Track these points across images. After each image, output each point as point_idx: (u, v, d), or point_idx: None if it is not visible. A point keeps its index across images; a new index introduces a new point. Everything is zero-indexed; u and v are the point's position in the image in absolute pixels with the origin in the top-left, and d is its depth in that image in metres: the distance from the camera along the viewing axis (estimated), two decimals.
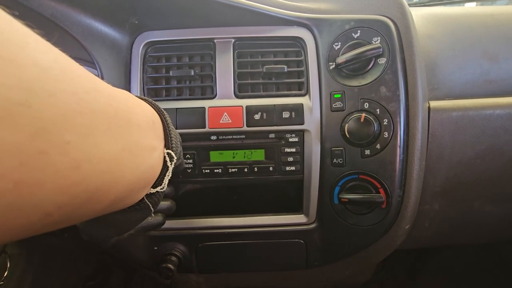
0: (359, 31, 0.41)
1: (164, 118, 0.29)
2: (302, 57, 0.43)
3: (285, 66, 0.42)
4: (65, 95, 0.16)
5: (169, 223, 0.45)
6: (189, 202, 0.46)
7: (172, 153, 0.28)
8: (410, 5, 0.76)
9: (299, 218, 0.45)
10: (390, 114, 0.39)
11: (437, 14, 0.52)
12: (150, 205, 0.27)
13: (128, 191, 0.23)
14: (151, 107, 0.28)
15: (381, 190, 0.41)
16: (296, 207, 0.46)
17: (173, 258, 0.42)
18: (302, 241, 0.45)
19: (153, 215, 0.34)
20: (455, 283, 0.83)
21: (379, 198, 0.40)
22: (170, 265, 0.41)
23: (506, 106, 0.43)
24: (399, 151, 0.40)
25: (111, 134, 0.19)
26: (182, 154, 0.35)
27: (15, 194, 0.14)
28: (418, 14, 0.52)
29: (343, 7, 0.43)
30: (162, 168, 0.27)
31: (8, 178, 0.13)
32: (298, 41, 0.44)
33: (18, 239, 0.16)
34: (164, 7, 0.40)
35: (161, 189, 0.27)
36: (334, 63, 0.41)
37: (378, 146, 0.40)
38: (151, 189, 0.26)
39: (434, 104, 0.44)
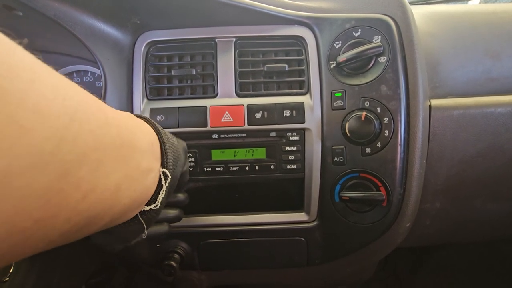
0: (359, 30, 0.41)
1: (161, 137, 0.29)
2: (303, 56, 0.43)
3: (286, 65, 0.42)
4: (85, 136, 0.17)
5: None
6: (191, 200, 0.46)
7: (168, 172, 0.28)
8: (412, 3, 0.76)
9: (300, 216, 0.45)
10: (390, 113, 0.39)
11: (439, 12, 0.52)
12: (144, 223, 0.27)
13: (123, 213, 0.23)
14: (150, 127, 0.29)
15: (382, 188, 0.41)
16: (297, 205, 0.46)
17: (175, 256, 0.43)
18: (303, 239, 0.45)
19: (166, 225, 0.36)
20: (457, 281, 0.83)
21: (379, 196, 0.40)
22: (172, 263, 0.41)
23: (508, 104, 0.43)
24: (399, 149, 0.40)
25: (117, 164, 0.20)
26: (187, 163, 0.35)
27: (34, 229, 0.15)
28: (420, 12, 0.51)
29: (344, 6, 0.43)
30: (156, 187, 0.28)
31: (33, 217, 0.14)
32: (299, 40, 0.44)
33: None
34: (166, 7, 0.40)
35: (154, 207, 0.27)
36: (335, 62, 0.41)
37: (378, 145, 0.40)
38: (145, 206, 0.27)
39: (435, 102, 0.44)
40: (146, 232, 0.30)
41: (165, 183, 0.28)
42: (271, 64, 0.43)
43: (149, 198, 0.27)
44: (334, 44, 0.42)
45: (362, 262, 0.48)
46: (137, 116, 0.29)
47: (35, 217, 0.14)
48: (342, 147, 0.41)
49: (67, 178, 0.15)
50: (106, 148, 0.19)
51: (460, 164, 0.45)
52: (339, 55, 0.41)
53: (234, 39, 0.44)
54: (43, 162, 0.14)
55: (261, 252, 0.46)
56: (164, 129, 0.32)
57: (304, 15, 0.43)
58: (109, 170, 0.19)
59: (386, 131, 0.40)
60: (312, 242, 0.45)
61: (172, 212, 0.37)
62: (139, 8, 0.41)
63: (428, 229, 0.52)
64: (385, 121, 0.40)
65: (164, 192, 0.28)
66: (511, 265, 0.75)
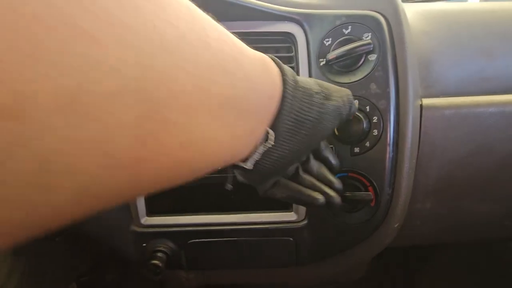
0: (350, 26, 0.40)
1: (285, 90, 0.23)
2: (293, 53, 0.43)
3: None
4: (181, 76, 0.14)
5: (157, 220, 0.45)
6: (178, 198, 0.45)
7: (271, 135, 0.23)
8: (408, 0, 0.75)
9: (289, 216, 0.45)
10: (380, 112, 0.39)
11: (434, 10, 0.51)
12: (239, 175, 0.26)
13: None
14: (277, 75, 0.23)
15: (370, 188, 0.40)
16: (286, 205, 0.45)
17: (161, 255, 0.42)
18: (291, 239, 0.45)
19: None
20: (451, 281, 0.83)
21: (367, 196, 0.39)
22: (157, 262, 0.41)
23: (499, 104, 0.43)
24: (388, 149, 0.39)
25: (222, 122, 0.18)
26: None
27: (137, 168, 0.14)
28: (414, 10, 0.51)
29: (335, 2, 0.42)
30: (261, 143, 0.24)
31: (131, 155, 0.13)
32: (289, 37, 0.43)
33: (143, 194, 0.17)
34: None
35: (244, 165, 0.25)
36: (324, 60, 0.41)
37: (367, 144, 0.39)
38: (239, 162, 0.25)
39: (426, 101, 0.43)
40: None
41: (263, 146, 0.24)
42: None
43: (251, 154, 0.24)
44: (324, 41, 0.41)
45: (350, 262, 0.47)
46: (271, 58, 0.24)
47: (134, 156, 0.13)
48: (331, 146, 0.40)
49: (159, 117, 0.13)
50: (212, 102, 0.16)
51: (451, 164, 0.44)
52: (329, 52, 0.40)
53: None
54: (127, 88, 0.12)
55: (249, 251, 0.46)
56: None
57: (294, 11, 0.42)
58: (213, 127, 0.17)
59: (375, 130, 0.39)
60: (300, 242, 0.45)
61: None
62: None
63: (419, 230, 0.51)
64: (374, 120, 0.39)
65: (259, 155, 0.24)
66: (505, 265, 0.75)
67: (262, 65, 0.22)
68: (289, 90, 0.23)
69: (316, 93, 0.26)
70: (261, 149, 0.24)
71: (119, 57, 0.11)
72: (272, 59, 0.24)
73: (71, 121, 0.11)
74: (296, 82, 0.24)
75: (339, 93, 0.29)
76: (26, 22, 0.09)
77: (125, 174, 0.13)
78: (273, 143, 0.24)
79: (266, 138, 0.24)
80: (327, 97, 0.27)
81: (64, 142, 0.11)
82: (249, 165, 0.25)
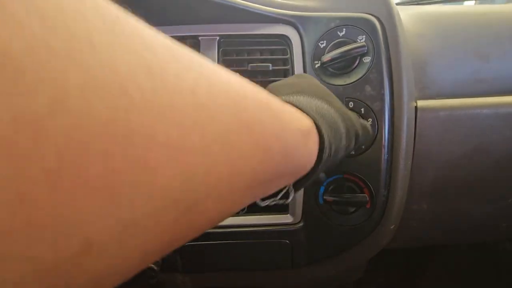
0: (344, 29, 0.40)
1: (320, 156, 0.21)
2: (288, 55, 0.43)
3: (270, 65, 0.42)
4: (219, 168, 0.14)
5: None
6: None
7: (292, 193, 0.23)
8: (403, 3, 0.76)
9: (285, 218, 0.45)
10: (374, 114, 0.39)
11: (429, 13, 0.52)
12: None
13: None
14: (316, 142, 0.21)
15: (366, 190, 0.40)
16: (282, 207, 0.45)
17: None
18: (287, 241, 0.45)
19: None
20: (450, 282, 0.83)
21: (363, 198, 0.39)
22: (152, 265, 0.41)
23: (494, 105, 0.43)
24: (383, 151, 0.39)
25: (252, 192, 0.17)
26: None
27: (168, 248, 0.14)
28: (409, 13, 0.51)
29: (329, 5, 0.42)
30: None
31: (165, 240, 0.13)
32: (284, 39, 0.43)
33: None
34: (146, 3, 0.39)
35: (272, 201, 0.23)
36: (319, 62, 0.41)
37: (362, 146, 0.39)
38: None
39: (421, 103, 0.43)
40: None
41: (293, 193, 0.23)
42: (256, 63, 0.42)
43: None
44: (319, 44, 0.41)
45: (347, 264, 0.47)
46: (313, 117, 0.21)
47: (167, 240, 0.14)
48: None
49: (195, 209, 0.13)
50: (244, 181, 0.15)
51: (446, 166, 0.45)
52: (323, 54, 0.40)
53: (218, 38, 0.43)
54: (172, 201, 0.12)
55: (245, 254, 0.46)
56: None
57: (289, 13, 0.42)
58: (242, 195, 0.16)
59: None
60: (296, 244, 0.45)
61: None
62: (118, 3, 0.40)
63: (415, 231, 0.51)
64: (369, 122, 0.39)
65: (292, 195, 0.23)
66: (502, 266, 0.75)
67: (303, 136, 0.19)
68: (324, 157, 0.21)
69: (343, 144, 0.25)
70: (281, 201, 0.23)
71: (169, 176, 0.11)
72: (314, 121, 0.21)
73: (120, 245, 0.11)
74: (330, 144, 0.22)
75: (358, 132, 0.29)
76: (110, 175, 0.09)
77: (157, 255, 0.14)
78: (293, 196, 0.23)
79: (287, 189, 0.23)
80: (349, 143, 0.26)
81: (115, 258, 0.11)
82: (268, 205, 0.24)
